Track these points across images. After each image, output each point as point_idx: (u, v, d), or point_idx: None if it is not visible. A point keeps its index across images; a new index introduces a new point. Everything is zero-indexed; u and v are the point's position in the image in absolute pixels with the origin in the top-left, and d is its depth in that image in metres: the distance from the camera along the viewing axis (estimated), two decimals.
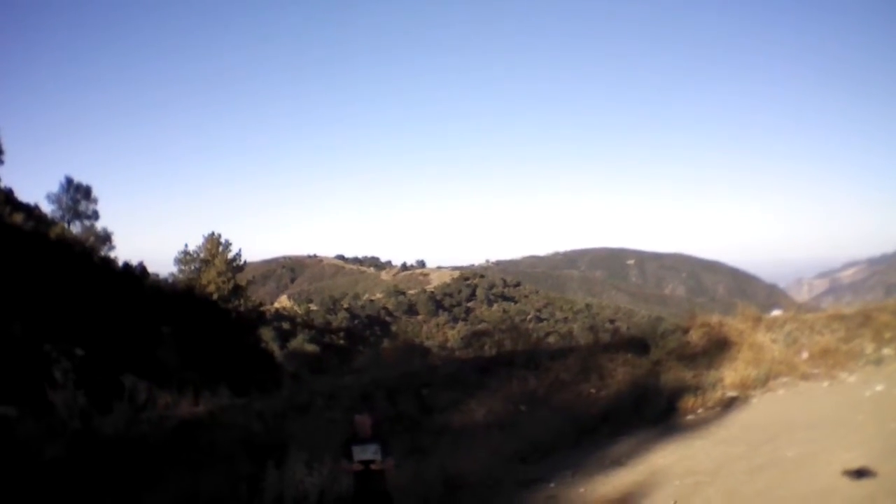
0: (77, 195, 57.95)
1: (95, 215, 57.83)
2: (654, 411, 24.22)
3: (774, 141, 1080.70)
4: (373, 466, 13.71)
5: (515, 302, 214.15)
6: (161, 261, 60.28)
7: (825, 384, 25.16)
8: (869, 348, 27.20)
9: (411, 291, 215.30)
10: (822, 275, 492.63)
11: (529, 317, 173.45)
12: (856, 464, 15.82)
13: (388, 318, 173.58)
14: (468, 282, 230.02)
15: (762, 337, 28.84)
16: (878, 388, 23.24)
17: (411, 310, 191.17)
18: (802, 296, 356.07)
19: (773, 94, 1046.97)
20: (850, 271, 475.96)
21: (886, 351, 26.87)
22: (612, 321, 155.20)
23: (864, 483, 14.99)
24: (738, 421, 22.79)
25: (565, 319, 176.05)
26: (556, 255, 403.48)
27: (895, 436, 18.18)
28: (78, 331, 34.23)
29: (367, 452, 13.75)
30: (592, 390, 26.68)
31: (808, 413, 21.96)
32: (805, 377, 25.98)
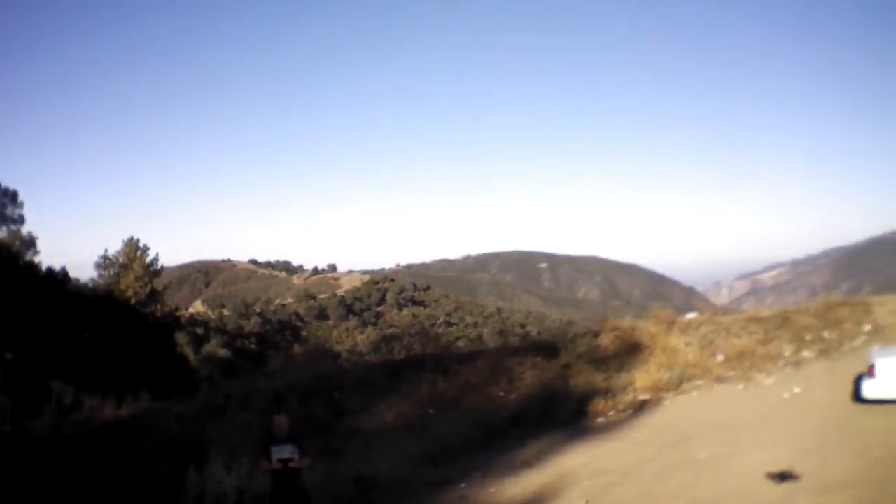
0: (4, 199, 56.87)
1: (21, 220, 56.87)
2: (563, 414, 24.45)
3: (693, 142, 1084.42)
4: (291, 465, 14.19)
5: (425, 306, 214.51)
6: (83, 265, 59.57)
7: (741, 386, 25.42)
8: (788, 350, 27.61)
9: (322, 296, 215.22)
10: (743, 277, 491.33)
11: (439, 321, 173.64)
12: (774, 464, 16.05)
13: (299, 323, 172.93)
14: (378, 286, 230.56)
15: (676, 340, 29.19)
16: (797, 389, 23.51)
17: (322, 314, 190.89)
18: (722, 299, 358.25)
19: (686, 89, 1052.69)
20: (772, 273, 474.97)
21: (806, 353, 27.31)
22: (522, 325, 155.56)
23: (782, 483, 15.27)
24: (650, 423, 23.10)
25: (475, 324, 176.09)
26: (468, 258, 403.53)
27: (814, 436, 18.39)
28: (6, 335, 34.57)
29: (285, 452, 14.20)
30: (501, 393, 26.85)
31: (724, 415, 22.25)
32: (720, 379, 26.31)
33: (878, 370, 19.71)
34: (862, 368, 20.94)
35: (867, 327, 28.38)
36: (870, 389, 19.86)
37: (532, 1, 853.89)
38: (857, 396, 20.48)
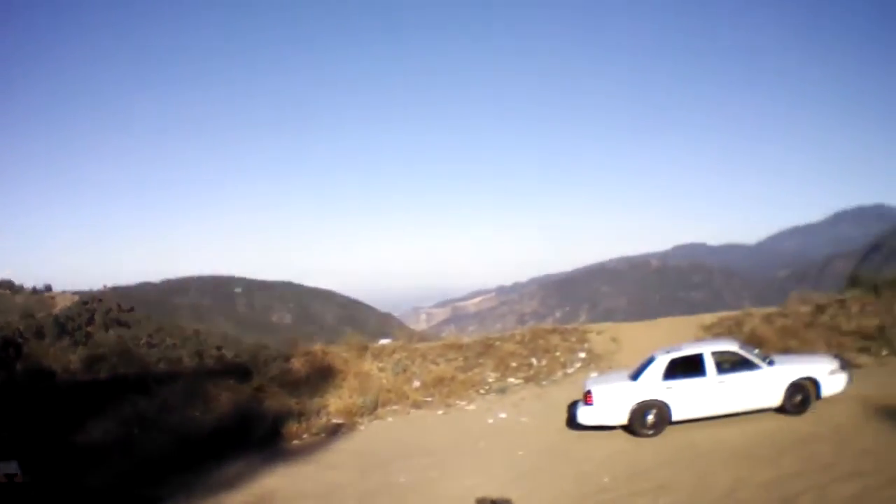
0: None
1: None
2: (259, 436, 24.51)
3: (398, 170, 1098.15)
4: (16, 480, 14.72)
5: (130, 327, 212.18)
6: None
7: (440, 412, 25.74)
8: (492, 377, 28.01)
9: (40, 314, 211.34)
10: (443, 303, 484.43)
11: (142, 342, 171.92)
12: (481, 490, 16.51)
13: (20, 341, 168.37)
14: (88, 306, 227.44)
15: (369, 365, 29.35)
16: (502, 415, 24.01)
17: (40, 333, 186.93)
18: (420, 325, 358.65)
19: (399, 118, 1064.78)
20: (475, 300, 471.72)
21: (512, 380, 27.74)
22: (219, 348, 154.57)
23: None
24: (345, 447, 23.25)
25: (175, 346, 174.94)
26: (167, 281, 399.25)
27: (523, 462, 18.86)
28: None
29: (10, 467, 14.72)
30: (198, 414, 26.58)
31: (423, 440, 22.54)
32: (417, 405, 26.55)
33: (594, 397, 20.15)
34: (576, 395, 21.56)
35: (582, 354, 29.07)
36: (585, 416, 20.32)
37: None
38: (573, 422, 20.88)
